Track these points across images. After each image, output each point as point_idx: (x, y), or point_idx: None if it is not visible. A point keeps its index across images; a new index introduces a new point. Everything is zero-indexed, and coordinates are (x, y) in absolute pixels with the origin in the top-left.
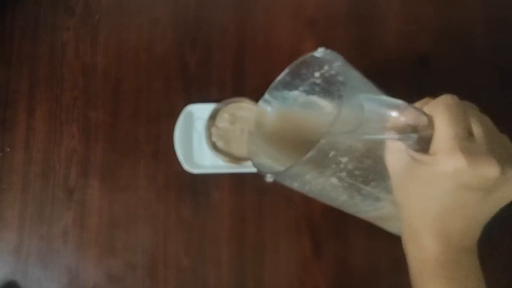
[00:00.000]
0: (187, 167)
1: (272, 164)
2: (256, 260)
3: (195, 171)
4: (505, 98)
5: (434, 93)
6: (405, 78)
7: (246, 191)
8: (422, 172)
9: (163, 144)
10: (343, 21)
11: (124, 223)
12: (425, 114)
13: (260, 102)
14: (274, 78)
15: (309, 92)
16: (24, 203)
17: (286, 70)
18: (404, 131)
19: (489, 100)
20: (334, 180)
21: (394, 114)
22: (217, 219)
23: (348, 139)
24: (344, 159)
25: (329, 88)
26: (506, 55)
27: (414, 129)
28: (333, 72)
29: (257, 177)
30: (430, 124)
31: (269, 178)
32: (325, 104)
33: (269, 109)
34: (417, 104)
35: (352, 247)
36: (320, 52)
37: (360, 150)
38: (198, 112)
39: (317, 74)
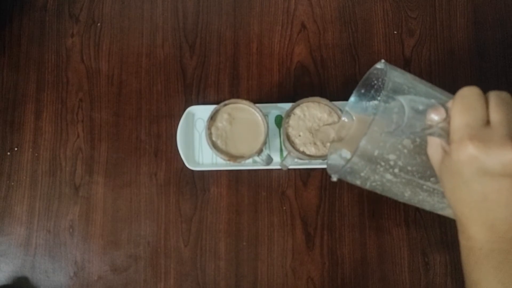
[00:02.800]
0: (188, 165)
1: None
2: (252, 251)
3: (196, 168)
4: None
5: None
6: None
7: (243, 187)
8: (448, 162)
9: (163, 143)
10: (333, 26)
11: (127, 217)
12: (446, 107)
13: (343, 116)
14: (268, 80)
15: (386, 101)
16: (32, 199)
17: (358, 86)
18: (436, 127)
19: None
20: (388, 176)
21: (430, 112)
22: (215, 213)
23: (389, 138)
24: (391, 157)
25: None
26: (487, 60)
27: (441, 123)
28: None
29: (253, 174)
30: (448, 116)
31: (333, 178)
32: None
33: (349, 120)
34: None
35: (342, 239)
36: (380, 64)
37: (408, 148)
38: (199, 113)
39: (391, 83)
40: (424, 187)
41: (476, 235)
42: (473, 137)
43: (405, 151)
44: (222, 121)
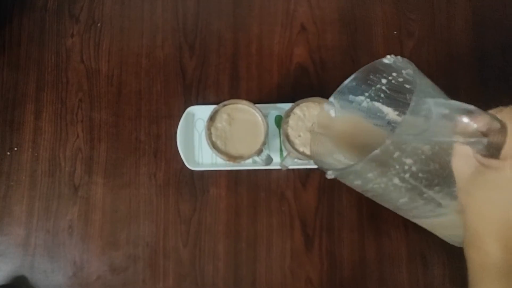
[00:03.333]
0: (188, 165)
1: (334, 162)
2: (251, 252)
3: (196, 168)
4: (484, 102)
5: None
6: None
7: (242, 188)
8: (490, 177)
9: (163, 144)
10: (333, 28)
11: (126, 217)
12: (498, 120)
13: (325, 105)
14: (267, 81)
15: (373, 98)
16: (32, 199)
17: (353, 75)
18: (473, 137)
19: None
20: (396, 180)
21: (465, 119)
22: (214, 214)
23: (413, 141)
24: (408, 161)
25: (394, 96)
26: (486, 62)
27: (484, 135)
28: (401, 79)
29: (253, 174)
30: (503, 130)
31: (330, 175)
32: (388, 111)
33: (333, 112)
34: (491, 112)
35: (341, 241)
36: (389, 58)
37: (427, 153)
38: (199, 113)
39: (384, 81)
40: (425, 195)
41: (494, 252)
42: None
43: (423, 156)
44: (221, 122)
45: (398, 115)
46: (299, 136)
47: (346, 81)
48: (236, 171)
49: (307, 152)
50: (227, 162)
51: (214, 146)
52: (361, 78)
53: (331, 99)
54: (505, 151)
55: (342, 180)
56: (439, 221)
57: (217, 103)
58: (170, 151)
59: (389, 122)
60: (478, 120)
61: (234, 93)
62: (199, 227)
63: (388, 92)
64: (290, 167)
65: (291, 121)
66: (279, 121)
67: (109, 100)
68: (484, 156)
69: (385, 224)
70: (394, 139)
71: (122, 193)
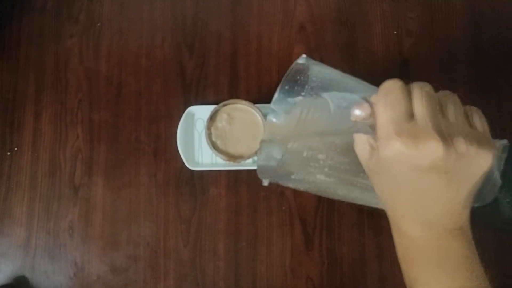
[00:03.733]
0: (188, 165)
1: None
2: (251, 251)
3: (196, 168)
4: (483, 100)
5: None
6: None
7: (242, 187)
8: (377, 159)
9: (163, 144)
10: (331, 26)
11: (126, 218)
12: (371, 103)
13: (269, 116)
14: (267, 80)
15: (312, 95)
16: (32, 200)
17: (282, 81)
18: (364, 124)
19: (466, 102)
20: (322, 177)
21: (354, 109)
22: (214, 213)
23: (317, 138)
24: (321, 156)
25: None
26: (486, 60)
27: (368, 120)
28: (321, 74)
29: (253, 174)
30: (373, 112)
31: (264, 182)
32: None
33: (275, 119)
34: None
35: (341, 239)
36: (302, 59)
37: (338, 145)
38: (199, 113)
39: (314, 78)
40: (357, 183)
41: (412, 233)
42: (399, 133)
43: (333, 149)
44: (221, 121)
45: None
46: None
47: (278, 88)
48: (236, 171)
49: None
50: (227, 162)
51: (214, 146)
52: (290, 81)
53: (272, 106)
54: (377, 132)
55: (281, 184)
56: None
57: (216, 103)
58: (170, 151)
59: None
60: (362, 108)
61: (234, 93)
62: (199, 226)
63: (319, 86)
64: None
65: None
66: None
67: (109, 100)
68: (375, 139)
69: (385, 222)
70: (296, 139)
71: (122, 193)
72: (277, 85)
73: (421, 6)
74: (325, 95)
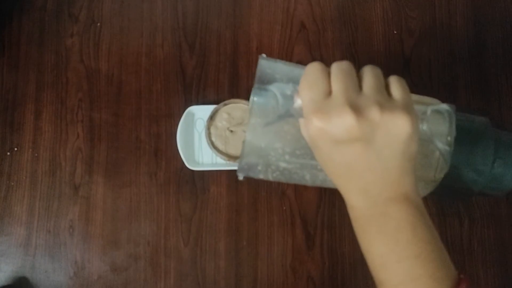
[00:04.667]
0: (188, 165)
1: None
2: (251, 251)
3: (196, 168)
4: (485, 99)
5: (416, 93)
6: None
7: (243, 187)
8: (310, 139)
9: (163, 143)
10: (333, 26)
11: (127, 217)
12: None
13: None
14: None
15: (259, 93)
16: (32, 199)
17: (255, 85)
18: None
19: (468, 101)
20: (283, 164)
21: (296, 96)
22: (215, 212)
23: (270, 128)
24: (278, 145)
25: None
26: (487, 60)
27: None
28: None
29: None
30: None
31: (240, 177)
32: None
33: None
34: None
35: (342, 238)
36: (262, 56)
37: (291, 133)
38: (199, 113)
39: (277, 75)
40: (318, 167)
41: (356, 203)
42: (316, 110)
43: (289, 136)
44: (221, 121)
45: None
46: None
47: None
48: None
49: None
50: (227, 162)
51: (213, 146)
52: (264, 82)
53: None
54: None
55: (252, 176)
56: None
57: (217, 102)
58: (170, 150)
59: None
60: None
61: (235, 92)
62: (200, 225)
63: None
64: None
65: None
66: None
67: (109, 99)
68: None
69: None
70: (250, 132)
71: (123, 192)
72: None
73: (422, 5)
74: (271, 87)
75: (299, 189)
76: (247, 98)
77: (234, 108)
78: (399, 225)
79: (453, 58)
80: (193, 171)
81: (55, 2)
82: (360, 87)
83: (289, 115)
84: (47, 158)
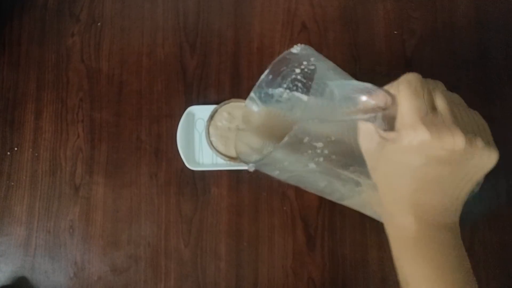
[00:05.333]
0: (188, 165)
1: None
2: (252, 252)
3: (196, 168)
4: (487, 100)
5: None
6: (392, 79)
7: (243, 188)
8: (391, 150)
9: (164, 143)
10: (334, 26)
11: (127, 217)
12: (389, 93)
13: (247, 101)
14: None
15: (292, 88)
16: (32, 199)
17: (267, 70)
18: (372, 113)
19: (469, 102)
20: (312, 165)
21: (363, 97)
22: (215, 213)
23: (319, 124)
24: (319, 144)
25: (309, 83)
26: (489, 60)
27: (384, 110)
28: (312, 67)
29: (254, 174)
30: (395, 101)
31: (250, 168)
32: (307, 99)
33: (255, 107)
34: (386, 86)
35: (343, 240)
36: (296, 48)
37: (335, 135)
38: (199, 113)
39: (297, 70)
40: (342, 176)
41: (407, 224)
42: (426, 122)
43: (332, 138)
44: (222, 120)
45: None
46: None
47: (262, 76)
48: (237, 171)
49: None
50: (228, 162)
51: (214, 146)
52: (275, 71)
53: (252, 94)
54: (398, 122)
55: (263, 171)
56: (360, 199)
57: (218, 102)
58: (171, 151)
59: None
60: (374, 97)
61: (235, 92)
62: (200, 226)
63: (304, 81)
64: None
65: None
66: None
67: (110, 99)
68: (385, 130)
69: None
70: (300, 124)
71: (123, 193)
72: None
73: (424, 5)
74: (331, 83)
75: (300, 190)
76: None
77: (235, 107)
78: (447, 253)
79: (455, 59)
80: (193, 171)
81: (56, 1)
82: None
83: (343, 115)
84: (47, 158)
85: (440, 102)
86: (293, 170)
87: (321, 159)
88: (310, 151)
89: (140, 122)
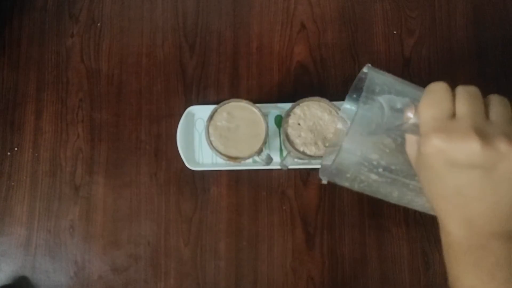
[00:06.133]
0: (188, 165)
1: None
2: (252, 251)
3: (196, 168)
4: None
5: None
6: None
7: (243, 187)
8: (421, 157)
9: (163, 143)
10: (333, 26)
11: (127, 217)
12: (414, 104)
13: (338, 124)
14: (268, 80)
15: (365, 102)
16: (33, 199)
17: (350, 92)
18: (414, 124)
19: None
20: (373, 176)
21: (405, 110)
22: (215, 213)
23: (370, 138)
24: (374, 156)
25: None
26: (487, 59)
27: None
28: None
29: (253, 173)
30: (417, 111)
31: (323, 180)
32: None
33: (342, 126)
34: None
35: (342, 239)
36: (367, 67)
37: (390, 147)
38: (199, 113)
39: (377, 86)
40: (410, 186)
41: (454, 231)
42: (437, 129)
43: (387, 150)
44: (221, 120)
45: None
46: (300, 136)
47: (346, 99)
48: (237, 170)
49: (307, 151)
50: (227, 162)
51: (213, 146)
52: (356, 90)
53: (340, 114)
54: (420, 130)
55: (336, 182)
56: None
57: (217, 102)
58: (170, 151)
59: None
60: (411, 109)
61: (235, 92)
62: (200, 226)
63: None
64: (290, 166)
65: (291, 120)
66: (280, 121)
67: (110, 99)
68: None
69: (386, 222)
70: (350, 138)
71: (123, 192)
72: (278, 85)
73: (422, 5)
74: (380, 98)
75: (299, 190)
76: (247, 98)
77: (234, 107)
78: (499, 262)
79: (452, 58)
80: (193, 171)
81: (55, 2)
82: (486, 114)
83: (393, 129)
84: (48, 158)
85: (460, 108)
86: (360, 181)
87: (380, 169)
88: (366, 163)
89: (140, 122)
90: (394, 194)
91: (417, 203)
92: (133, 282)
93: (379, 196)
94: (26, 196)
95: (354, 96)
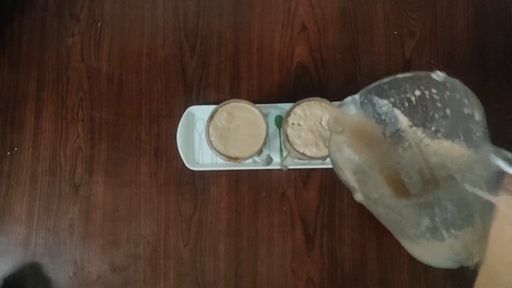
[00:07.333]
0: (188, 165)
1: (352, 154)
2: (251, 252)
3: (196, 168)
4: (486, 102)
5: None
6: None
7: (243, 187)
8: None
9: (163, 143)
10: (333, 27)
11: (127, 216)
12: None
13: (347, 100)
14: (268, 80)
15: (396, 105)
16: (32, 198)
17: (387, 79)
18: None
19: None
20: (426, 221)
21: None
22: (215, 213)
23: (466, 187)
24: (450, 205)
25: (418, 108)
26: (488, 61)
27: None
28: (437, 97)
29: (253, 174)
30: None
31: (358, 198)
32: (403, 120)
33: (352, 109)
34: None
35: (342, 240)
36: (440, 75)
37: (467, 200)
38: (199, 113)
39: (418, 92)
40: (437, 233)
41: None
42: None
43: (464, 201)
44: (221, 120)
45: (411, 126)
46: (300, 136)
47: (377, 82)
48: (237, 171)
49: (308, 152)
50: (228, 162)
51: (213, 146)
52: (396, 84)
53: (356, 96)
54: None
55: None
56: (433, 248)
57: (217, 102)
58: (170, 150)
59: (397, 130)
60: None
61: (235, 92)
62: (200, 226)
63: (414, 103)
64: (291, 167)
65: (291, 120)
66: (280, 121)
67: (110, 99)
68: None
69: None
70: (461, 178)
71: (123, 192)
72: (278, 85)
73: (423, 6)
74: (487, 146)
75: (299, 190)
76: (247, 98)
77: (235, 107)
78: None
79: (454, 60)
80: (193, 171)
81: (56, 1)
82: None
83: (484, 183)
84: (47, 157)
85: None
86: (396, 214)
87: (438, 219)
88: (436, 208)
89: (140, 122)
90: (411, 232)
91: (424, 248)
92: (132, 282)
93: (387, 225)
94: (25, 195)
95: (386, 86)
